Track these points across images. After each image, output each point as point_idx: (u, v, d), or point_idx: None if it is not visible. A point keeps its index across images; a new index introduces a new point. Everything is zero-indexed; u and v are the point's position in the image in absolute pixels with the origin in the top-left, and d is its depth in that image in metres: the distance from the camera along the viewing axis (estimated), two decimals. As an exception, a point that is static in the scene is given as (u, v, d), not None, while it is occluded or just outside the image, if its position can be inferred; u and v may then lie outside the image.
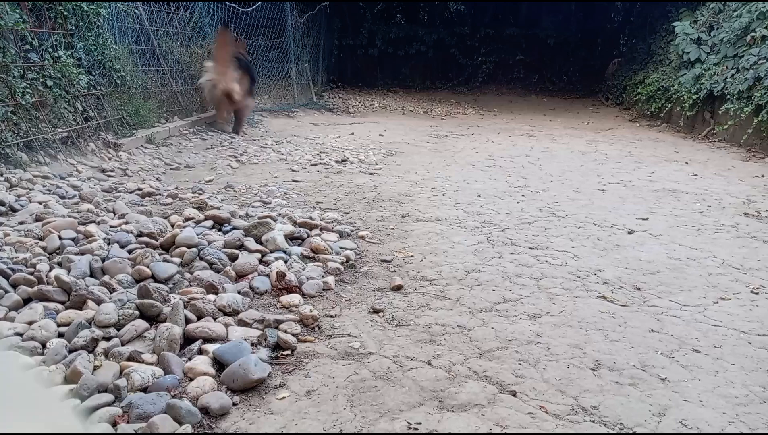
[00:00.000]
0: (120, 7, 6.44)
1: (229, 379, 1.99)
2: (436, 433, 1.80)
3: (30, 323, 2.23)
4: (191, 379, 2.00)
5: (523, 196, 5.04)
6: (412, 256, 3.41)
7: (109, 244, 3.03)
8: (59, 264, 2.78)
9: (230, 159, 6.17)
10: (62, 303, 2.43)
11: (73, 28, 5.39)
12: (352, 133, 8.59)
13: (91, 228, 3.22)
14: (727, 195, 5.20)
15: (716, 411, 1.96)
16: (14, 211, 3.58)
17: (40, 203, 3.71)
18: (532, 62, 17.08)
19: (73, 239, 3.07)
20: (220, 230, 3.45)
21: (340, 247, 3.38)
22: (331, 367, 2.16)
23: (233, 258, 3.02)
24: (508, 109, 13.17)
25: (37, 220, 3.36)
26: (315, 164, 6.13)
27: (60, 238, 3.04)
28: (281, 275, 2.82)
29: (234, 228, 3.42)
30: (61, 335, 2.19)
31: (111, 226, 3.37)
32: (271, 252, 3.17)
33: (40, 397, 0.80)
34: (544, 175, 6.02)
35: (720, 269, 3.34)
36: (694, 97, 8.90)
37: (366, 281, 3.03)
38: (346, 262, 3.22)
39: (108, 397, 1.86)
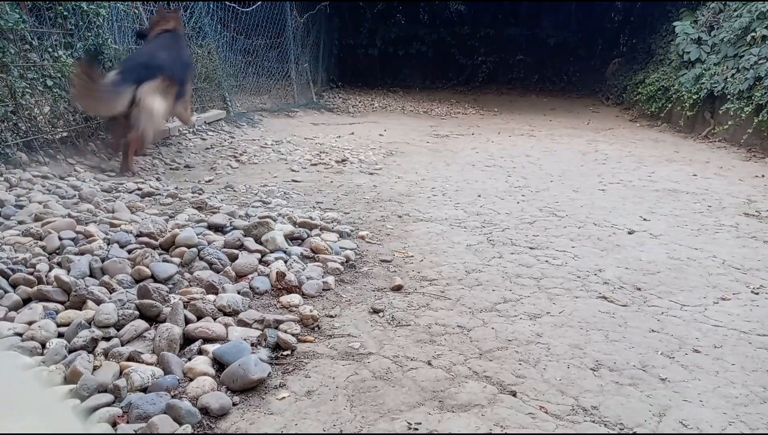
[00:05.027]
0: (120, 7, 6.43)
1: (229, 379, 1.99)
2: (436, 433, 1.80)
3: (30, 323, 2.23)
4: (191, 380, 2.00)
5: (523, 196, 5.04)
6: (412, 256, 3.41)
7: (108, 244, 3.03)
8: (59, 264, 2.77)
9: (230, 159, 6.17)
10: (62, 303, 2.43)
11: (73, 27, 5.39)
12: (352, 133, 8.59)
13: (91, 228, 3.22)
14: (728, 195, 5.20)
15: (716, 411, 1.96)
16: (14, 211, 3.58)
17: (39, 203, 3.70)
18: (532, 62, 17.08)
19: (72, 239, 3.07)
20: (219, 230, 3.45)
21: (340, 247, 3.38)
22: (331, 367, 2.16)
23: (233, 258, 3.02)
24: (508, 109, 13.17)
25: (37, 220, 3.35)
26: (315, 164, 6.12)
27: (60, 238, 3.03)
28: (281, 275, 2.82)
29: (234, 228, 3.42)
30: (60, 335, 2.19)
31: (111, 226, 3.37)
32: (271, 252, 3.17)
33: (40, 397, 0.80)
34: (544, 175, 6.01)
35: (720, 269, 3.34)
36: (694, 97, 8.89)
37: (366, 281, 3.03)
38: (346, 262, 3.22)
39: (108, 397, 1.86)
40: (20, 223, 3.31)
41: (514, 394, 2.02)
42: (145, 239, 3.13)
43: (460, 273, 3.16)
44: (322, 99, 12.90)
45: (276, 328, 2.38)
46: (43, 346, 2.11)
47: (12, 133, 4.44)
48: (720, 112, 8.31)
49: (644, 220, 4.33)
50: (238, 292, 2.66)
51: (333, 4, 14.20)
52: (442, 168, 6.23)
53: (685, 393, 2.06)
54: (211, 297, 2.58)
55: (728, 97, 8.00)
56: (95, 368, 2.00)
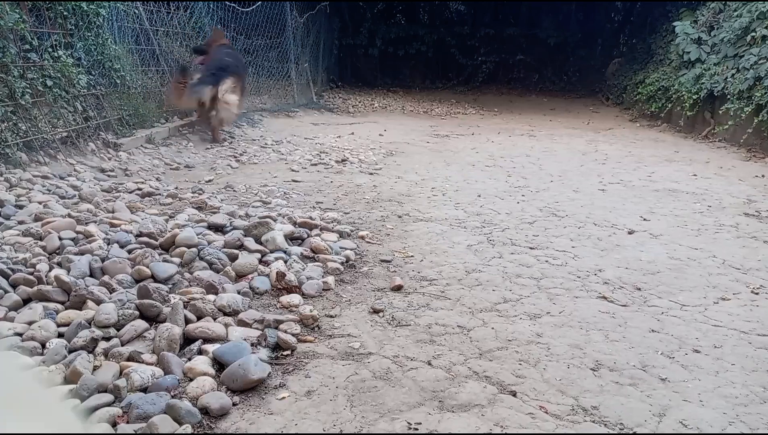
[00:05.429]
0: (120, 7, 6.43)
1: (229, 379, 1.99)
2: (436, 433, 1.80)
3: (30, 323, 2.23)
4: (191, 380, 2.00)
5: (523, 196, 5.03)
6: (412, 256, 3.41)
7: (108, 244, 3.03)
8: (59, 264, 2.77)
9: (230, 159, 6.17)
10: (62, 303, 2.43)
11: (73, 27, 5.39)
12: (352, 133, 8.58)
13: (91, 228, 3.22)
14: (728, 195, 5.20)
15: (716, 411, 1.96)
16: (14, 211, 3.58)
17: (39, 203, 3.70)
18: (532, 62, 17.07)
19: (72, 239, 3.07)
20: (219, 230, 3.45)
21: (340, 247, 3.38)
22: (331, 367, 2.16)
23: (233, 258, 3.02)
24: (508, 109, 13.17)
25: (37, 220, 3.35)
26: (315, 164, 6.12)
27: (60, 238, 3.03)
28: (281, 275, 2.82)
29: (234, 228, 3.42)
30: (60, 335, 2.19)
31: (111, 226, 3.37)
32: (271, 252, 3.17)
33: (40, 397, 0.80)
34: (544, 175, 6.01)
35: (720, 269, 3.34)
36: (694, 97, 8.89)
37: (366, 281, 3.03)
38: (346, 262, 3.22)
39: (108, 397, 1.86)
40: (20, 223, 3.31)
41: (514, 394, 2.02)
42: (145, 239, 3.13)
43: (460, 273, 3.16)
44: (322, 99, 12.89)
45: (276, 328, 2.38)
46: (43, 346, 2.11)
47: (12, 133, 4.44)
48: (720, 112, 8.30)
49: (644, 220, 4.33)
50: (238, 292, 2.66)
51: (333, 4, 14.19)
52: (442, 168, 6.23)
53: (685, 393, 2.06)
54: (211, 297, 2.58)
55: (728, 97, 8.00)
56: (95, 368, 2.00)
